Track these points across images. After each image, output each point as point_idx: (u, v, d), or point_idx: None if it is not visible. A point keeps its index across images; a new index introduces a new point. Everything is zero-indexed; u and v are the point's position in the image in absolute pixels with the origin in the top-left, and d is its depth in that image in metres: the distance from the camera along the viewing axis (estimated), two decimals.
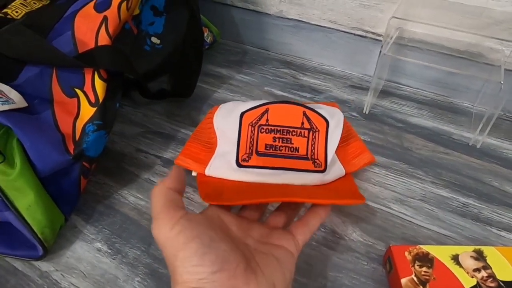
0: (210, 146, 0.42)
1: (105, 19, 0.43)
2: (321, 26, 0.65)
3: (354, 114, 0.58)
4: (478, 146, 0.52)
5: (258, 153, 0.39)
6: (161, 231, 0.25)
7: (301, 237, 0.32)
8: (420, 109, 0.59)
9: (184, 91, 0.57)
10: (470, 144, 0.52)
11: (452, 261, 0.35)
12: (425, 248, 0.37)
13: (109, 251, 0.40)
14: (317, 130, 0.40)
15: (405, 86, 0.64)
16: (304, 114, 0.40)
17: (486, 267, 0.35)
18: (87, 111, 0.40)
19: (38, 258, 0.38)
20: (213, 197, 0.34)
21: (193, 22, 0.55)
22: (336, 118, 0.41)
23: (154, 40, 0.55)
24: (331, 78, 0.66)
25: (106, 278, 0.38)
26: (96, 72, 0.41)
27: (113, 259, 0.39)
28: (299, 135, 0.40)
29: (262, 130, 0.40)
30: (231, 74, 0.67)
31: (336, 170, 0.41)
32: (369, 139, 0.53)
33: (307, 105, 0.41)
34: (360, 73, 0.67)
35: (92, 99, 0.40)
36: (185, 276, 0.24)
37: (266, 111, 0.40)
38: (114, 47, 0.43)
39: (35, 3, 0.50)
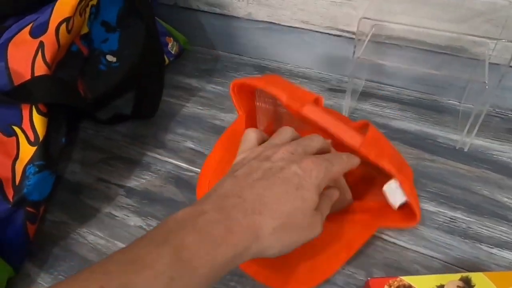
0: None
1: (41, 45, 0.39)
2: (293, 27, 0.61)
3: None
4: (465, 150, 0.48)
5: None
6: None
7: None
8: (404, 110, 0.55)
9: (146, 112, 0.53)
10: (457, 148, 0.48)
11: None
12: (407, 279, 0.33)
13: None
14: None
15: (387, 86, 0.60)
16: None
17: None
18: (27, 151, 0.36)
19: None
20: None
21: (151, 36, 0.51)
22: None
23: (110, 58, 0.51)
24: (308, 82, 0.62)
25: None
26: (34, 107, 0.37)
27: None
28: None
29: None
30: (201, 84, 0.63)
31: None
32: None
33: None
34: (338, 74, 0.62)
35: (31, 138, 0.37)
36: None
37: None
38: (53, 77, 0.38)
39: None
